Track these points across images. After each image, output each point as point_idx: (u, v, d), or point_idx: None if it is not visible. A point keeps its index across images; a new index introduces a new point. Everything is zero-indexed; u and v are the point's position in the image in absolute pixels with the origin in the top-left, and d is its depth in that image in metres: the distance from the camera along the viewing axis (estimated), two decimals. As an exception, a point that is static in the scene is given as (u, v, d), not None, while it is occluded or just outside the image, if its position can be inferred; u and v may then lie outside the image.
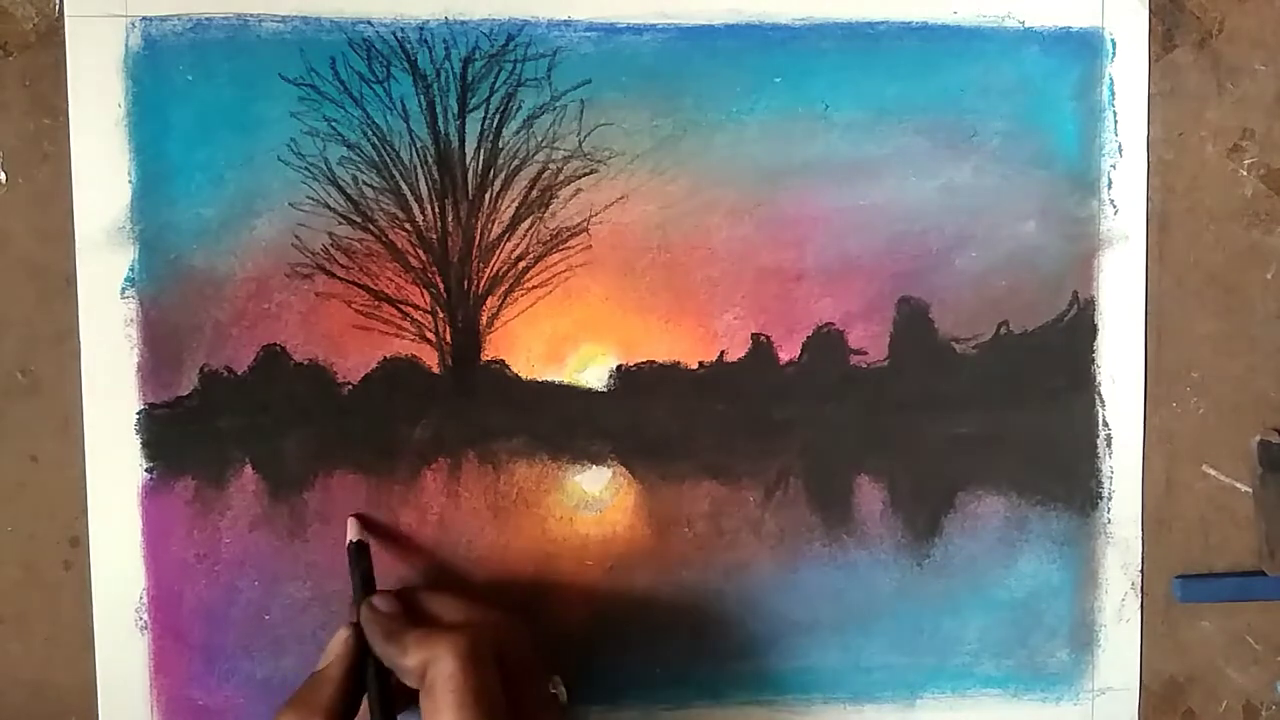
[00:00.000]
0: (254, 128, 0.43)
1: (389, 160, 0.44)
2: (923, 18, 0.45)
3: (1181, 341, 0.47)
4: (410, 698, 0.38)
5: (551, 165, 0.44)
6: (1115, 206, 0.46)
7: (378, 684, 0.39)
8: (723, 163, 0.45)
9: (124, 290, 0.43)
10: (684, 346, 0.45)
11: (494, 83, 0.44)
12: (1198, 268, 0.47)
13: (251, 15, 0.43)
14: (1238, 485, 0.48)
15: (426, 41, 0.44)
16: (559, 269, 0.45)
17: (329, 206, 0.44)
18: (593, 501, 0.45)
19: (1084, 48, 0.46)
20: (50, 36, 0.42)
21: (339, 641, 0.40)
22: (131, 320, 0.43)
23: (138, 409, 0.43)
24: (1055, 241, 0.46)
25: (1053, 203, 0.46)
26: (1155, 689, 0.48)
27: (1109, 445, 0.47)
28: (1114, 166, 0.46)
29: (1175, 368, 0.47)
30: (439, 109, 0.44)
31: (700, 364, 0.45)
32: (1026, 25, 0.45)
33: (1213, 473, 0.48)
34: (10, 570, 0.44)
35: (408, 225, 0.44)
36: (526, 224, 0.44)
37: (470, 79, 0.44)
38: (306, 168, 0.43)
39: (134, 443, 0.43)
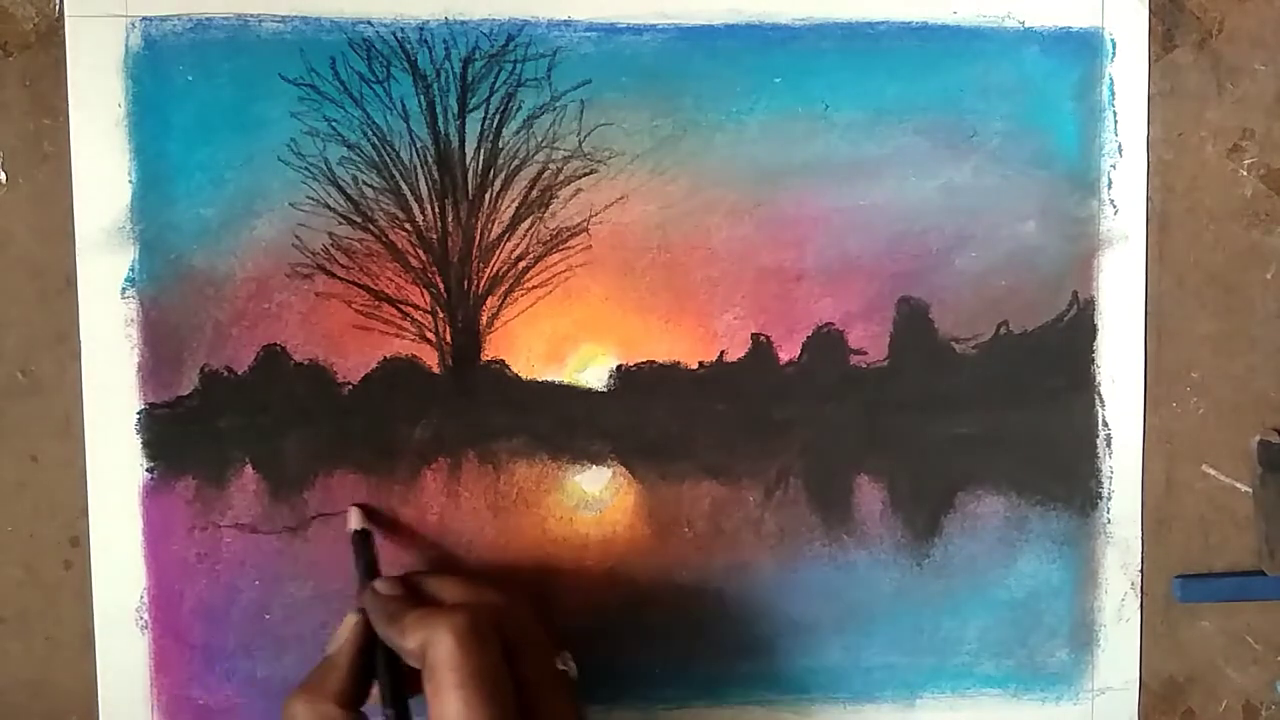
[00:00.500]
0: (254, 128, 0.43)
1: (389, 160, 0.44)
2: (923, 18, 0.45)
3: (1181, 341, 0.47)
4: (420, 681, 0.38)
5: (551, 165, 0.44)
6: (1115, 206, 0.46)
7: (387, 668, 0.39)
8: (723, 163, 0.45)
9: (124, 290, 0.43)
10: (684, 346, 0.45)
11: (494, 83, 0.44)
12: (1198, 268, 0.47)
13: (251, 15, 0.43)
14: (1238, 485, 0.48)
15: (426, 41, 0.44)
16: (559, 269, 0.45)
17: (329, 206, 0.44)
18: (593, 501, 0.45)
19: (1084, 48, 0.46)
20: (50, 36, 0.42)
21: (347, 626, 0.40)
22: (131, 320, 0.43)
23: (138, 409, 0.43)
24: (1055, 241, 0.46)
25: (1053, 203, 0.46)
26: (1155, 689, 0.48)
27: (1109, 445, 0.47)
28: (1114, 166, 0.46)
29: (1175, 368, 0.47)
30: (439, 109, 0.44)
31: (700, 364, 0.45)
32: (1026, 25, 0.45)
33: (1213, 473, 0.48)
34: (10, 570, 0.44)
35: (408, 225, 0.44)
36: (526, 224, 0.44)
37: (470, 79, 0.44)
38: (306, 168, 0.43)
39: (134, 443, 0.43)
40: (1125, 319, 0.47)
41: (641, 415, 0.45)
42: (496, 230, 0.44)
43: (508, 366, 0.44)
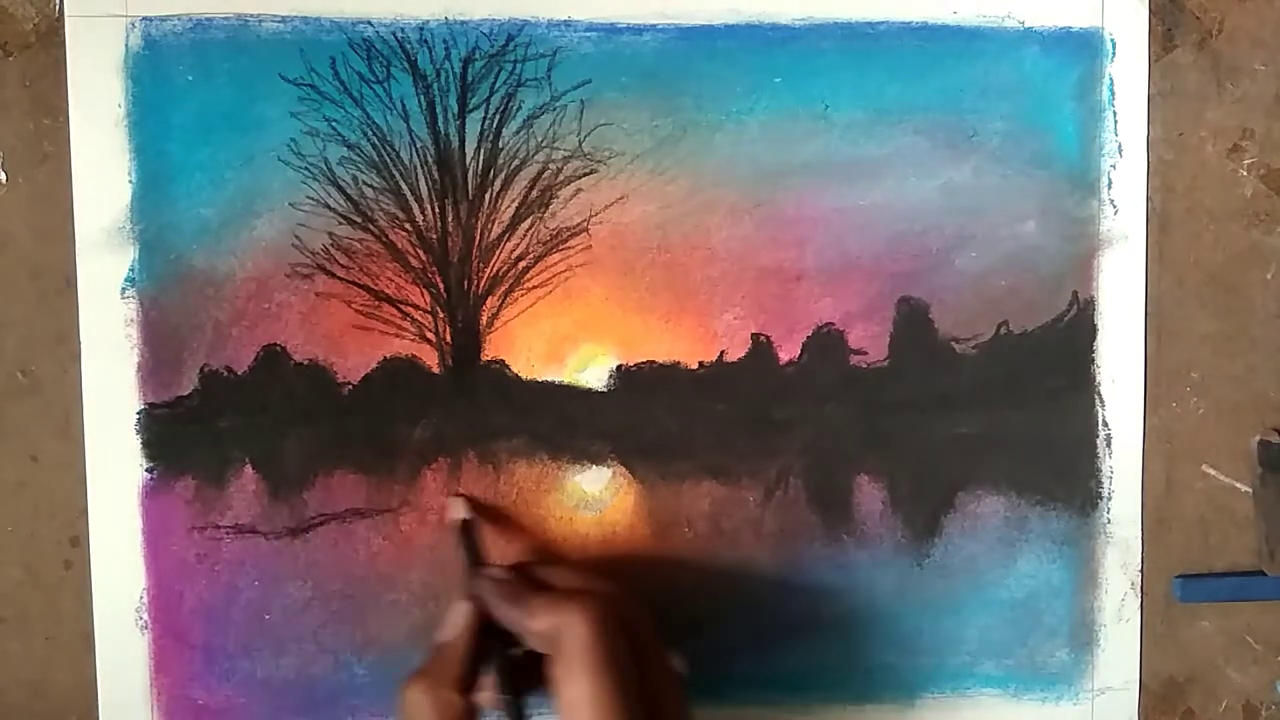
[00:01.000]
0: (254, 128, 0.43)
1: (389, 160, 0.44)
2: (923, 18, 0.45)
3: (1181, 341, 0.47)
4: (528, 670, 0.38)
5: (551, 165, 0.44)
6: (1115, 206, 0.46)
7: (501, 654, 0.39)
8: (723, 163, 0.45)
9: (124, 290, 0.43)
10: (684, 346, 0.45)
11: (494, 83, 0.44)
12: (1198, 268, 0.47)
13: (251, 15, 0.43)
14: (1238, 485, 0.48)
15: (426, 41, 0.44)
16: (559, 269, 0.45)
17: (329, 206, 0.44)
18: (593, 501, 0.45)
19: (1084, 48, 0.46)
20: (50, 36, 0.42)
21: (460, 614, 0.39)
22: (131, 320, 0.43)
23: (138, 409, 0.43)
24: (1055, 241, 0.46)
25: (1053, 203, 0.46)
26: (1155, 689, 0.48)
27: (1109, 445, 0.47)
28: (1114, 166, 0.46)
29: (1175, 368, 0.47)
30: (439, 109, 0.44)
31: (700, 364, 0.45)
32: (1026, 25, 0.45)
33: (1213, 473, 0.48)
34: (10, 570, 0.44)
35: (408, 225, 0.44)
36: (526, 224, 0.44)
37: (470, 79, 0.44)
38: (306, 168, 0.43)
39: (134, 443, 0.43)
40: (1125, 319, 0.47)
41: (641, 415, 0.45)
42: (496, 230, 0.44)
43: (508, 366, 0.44)
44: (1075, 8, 0.45)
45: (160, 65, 0.43)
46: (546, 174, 0.44)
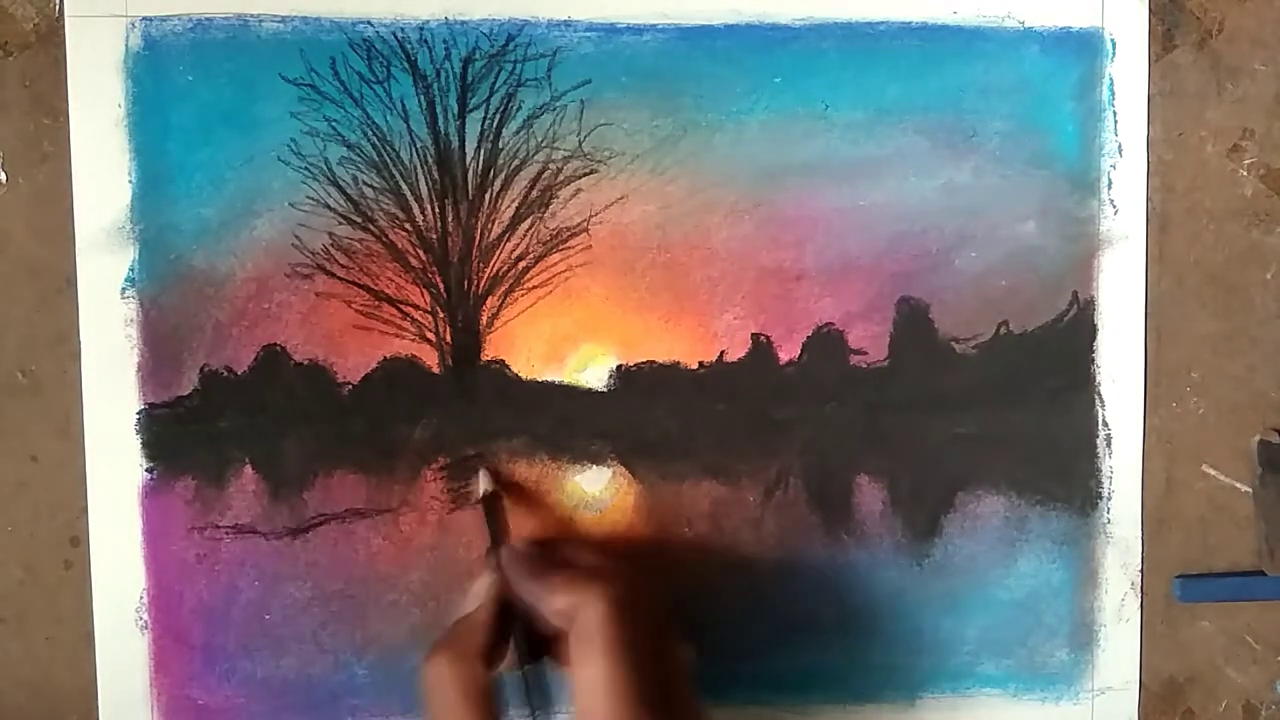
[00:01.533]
0: (254, 128, 0.43)
1: (389, 160, 0.44)
2: (923, 18, 0.45)
3: (1181, 341, 0.47)
4: (549, 644, 0.38)
5: (551, 165, 0.44)
6: (1115, 206, 0.46)
7: (523, 628, 0.39)
8: (723, 163, 0.45)
9: (124, 290, 0.43)
10: (684, 346, 0.45)
11: (494, 83, 0.44)
12: (1198, 268, 0.47)
13: (251, 15, 0.43)
14: (1238, 485, 0.48)
15: (426, 41, 0.44)
16: (559, 269, 0.45)
17: (329, 206, 0.44)
18: (593, 501, 0.45)
19: (1084, 48, 0.46)
20: (50, 36, 0.42)
21: (484, 585, 0.40)
22: (131, 320, 0.43)
23: (138, 409, 0.43)
24: (1055, 241, 0.46)
25: (1053, 203, 0.46)
26: (1155, 689, 0.48)
27: (1109, 445, 0.47)
28: (1114, 166, 0.46)
29: (1175, 368, 0.47)
30: (439, 109, 0.44)
31: (700, 364, 0.45)
32: (1026, 25, 0.45)
33: (1213, 473, 0.48)
34: (10, 570, 0.44)
35: (408, 225, 0.44)
36: (526, 224, 0.44)
37: (470, 79, 0.44)
38: (306, 168, 0.43)
39: (134, 443, 0.43)
40: (1125, 319, 0.47)
41: (641, 415, 0.45)
42: (496, 230, 0.44)
43: (508, 366, 0.44)
44: (1075, 8, 0.45)
45: (160, 65, 0.43)
46: (546, 174, 0.44)
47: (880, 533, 0.46)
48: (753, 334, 0.45)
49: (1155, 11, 0.46)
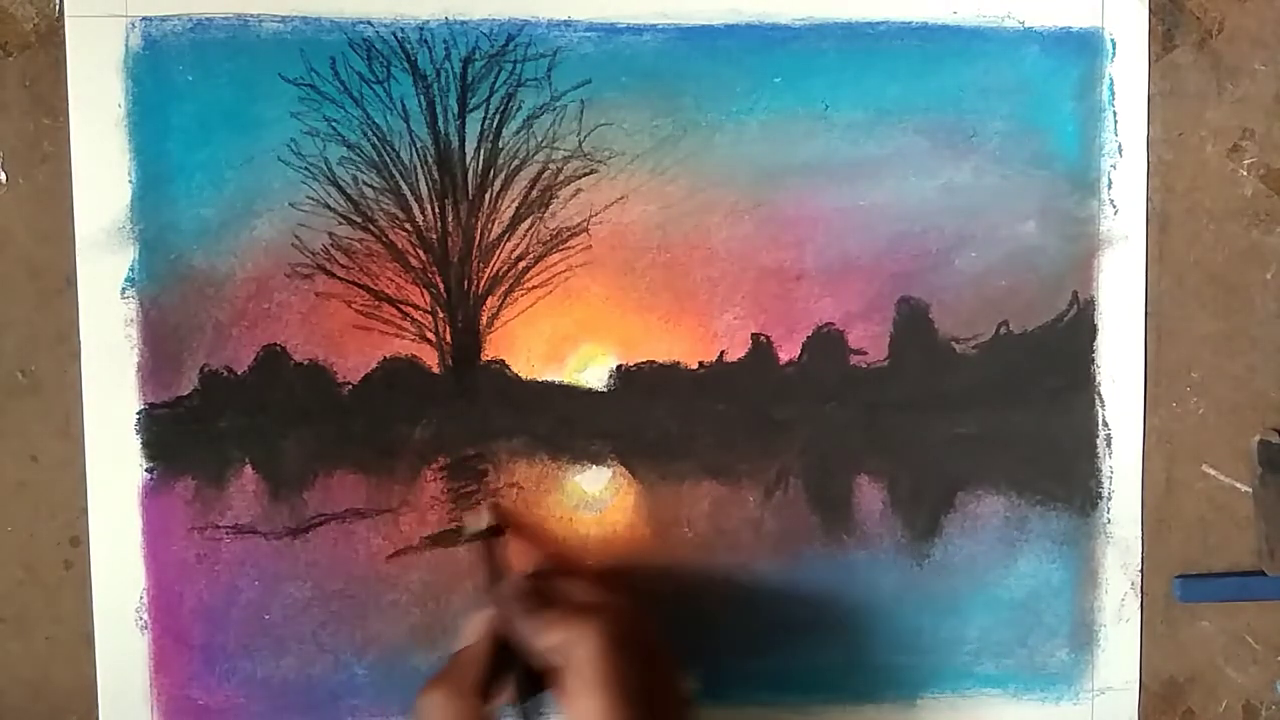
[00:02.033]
0: (254, 128, 0.43)
1: (389, 160, 0.44)
2: (923, 18, 0.45)
3: (1181, 341, 0.47)
4: (544, 680, 0.38)
5: (551, 165, 0.44)
6: (1115, 206, 0.46)
7: (518, 663, 0.39)
8: (723, 163, 0.45)
9: (124, 290, 0.43)
10: (684, 346, 0.45)
11: (494, 83, 0.44)
12: (1198, 268, 0.47)
13: (251, 15, 0.43)
14: (1238, 485, 0.48)
15: (426, 41, 0.44)
16: (559, 269, 0.45)
17: (329, 206, 0.44)
18: (593, 501, 0.45)
19: (1084, 48, 0.46)
20: (50, 36, 0.42)
21: (481, 619, 0.40)
22: (131, 320, 0.43)
23: (138, 409, 0.43)
24: (1055, 241, 0.46)
25: (1053, 203, 0.46)
26: (1155, 689, 0.48)
27: (1109, 445, 0.47)
28: (1114, 166, 0.46)
29: (1175, 368, 0.47)
30: (439, 109, 0.44)
31: (700, 364, 0.45)
32: (1026, 25, 0.45)
33: (1213, 473, 0.48)
34: (10, 570, 0.44)
35: (408, 225, 0.44)
36: (526, 224, 0.44)
37: (470, 79, 0.44)
38: (306, 168, 0.43)
39: (134, 443, 0.43)
40: (1125, 319, 0.47)
41: (641, 415, 0.45)
42: (496, 230, 0.44)
43: (508, 366, 0.44)
44: (1075, 8, 0.45)
45: (160, 65, 0.43)
46: (546, 174, 0.44)
47: (880, 533, 0.46)
48: (753, 334, 0.45)
49: (1155, 11, 0.46)
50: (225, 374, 0.43)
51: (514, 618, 0.39)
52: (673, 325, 0.45)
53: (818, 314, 0.45)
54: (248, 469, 0.44)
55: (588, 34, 0.44)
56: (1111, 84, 0.46)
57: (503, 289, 0.44)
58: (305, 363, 0.44)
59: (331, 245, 0.44)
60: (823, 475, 0.46)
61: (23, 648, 0.44)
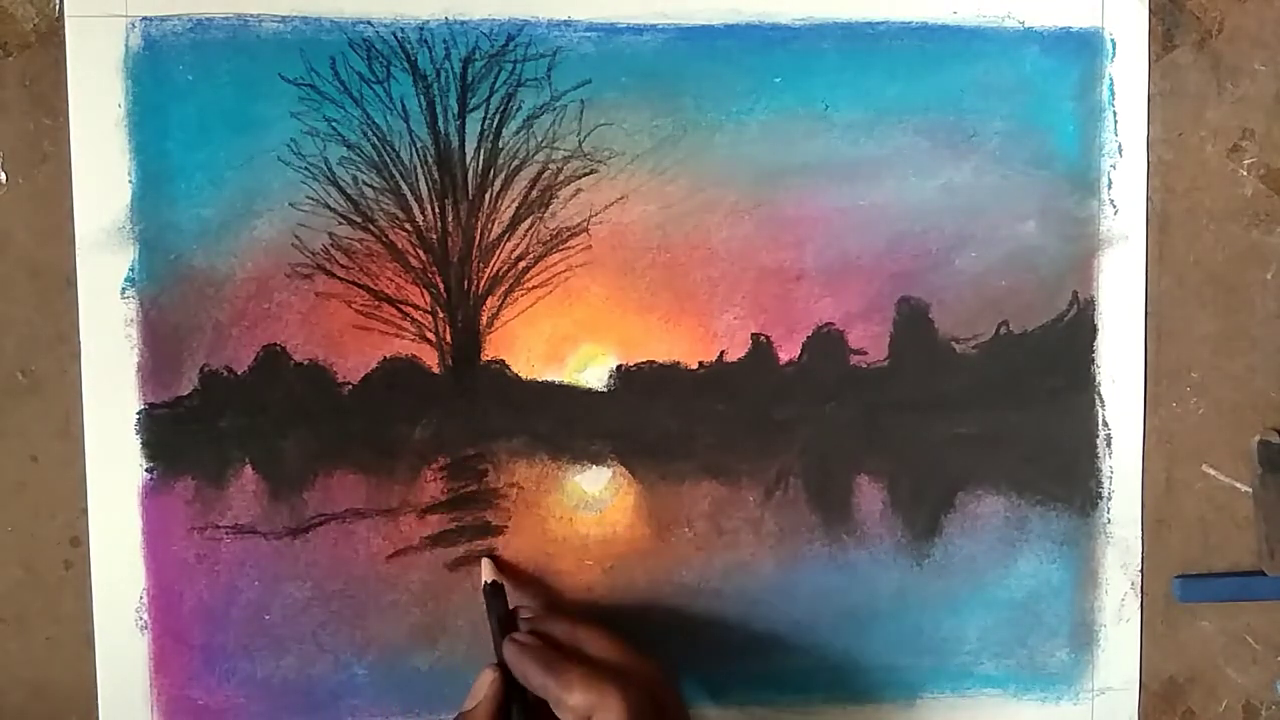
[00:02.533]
0: (254, 128, 0.43)
1: (389, 160, 0.44)
2: (923, 18, 0.45)
3: (1181, 341, 0.47)
4: None
5: (551, 165, 0.44)
6: (1115, 206, 0.46)
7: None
8: (723, 163, 0.45)
9: (124, 290, 0.43)
10: (684, 346, 0.45)
11: (494, 83, 0.44)
12: (1198, 268, 0.47)
13: (251, 15, 0.43)
14: (1238, 485, 0.48)
15: (426, 41, 0.44)
16: (559, 269, 0.45)
17: (329, 206, 0.44)
18: (593, 501, 0.45)
19: (1084, 48, 0.46)
20: (50, 36, 0.42)
21: (486, 682, 0.40)
22: (131, 320, 0.43)
23: (138, 409, 0.43)
24: (1055, 241, 0.46)
25: (1053, 203, 0.46)
26: (1155, 689, 0.48)
27: (1109, 445, 0.47)
28: (1114, 166, 0.46)
29: (1175, 368, 0.47)
30: (439, 109, 0.44)
31: (700, 364, 0.45)
32: (1026, 25, 0.45)
33: (1213, 473, 0.48)
34: (10, 570, 0.44)
35: (408, 225, 0.44)
36: (526, 224, 0.44)
37: (470, 79, 0.44)
38: (306, 168, 0.43)
39: (134, 443, 0.43)
40: (1125, 319, 0.47)
41: (641, 415, 0.45)
42: (496, 230, 0.44)
43: (508, 366, 0.44)
44: (1075, 8, 0.45)
45: (160, 65, 0.43)
46: (546, 174, 0.44)
47: (880, 533, 0.46)
48: (753, 334, 0.45)
49: (1155, 11, 0.46)
50: (225, 374, 0.43)
51: (532, 674, 0.39)
52: (673, 325, 0.45)
53: (818, 314, 0.45)
54: (248, 469, 0.44)
55: (588, 34, 0.44)
56: (1111, 84, 0.46)
57: (503, 289, 0.44)
58: (305, 363, 0.44)
59: (331, 245, 0.44)
60: (823, 475, 0.46)
61: (23, 648, 0.44)
